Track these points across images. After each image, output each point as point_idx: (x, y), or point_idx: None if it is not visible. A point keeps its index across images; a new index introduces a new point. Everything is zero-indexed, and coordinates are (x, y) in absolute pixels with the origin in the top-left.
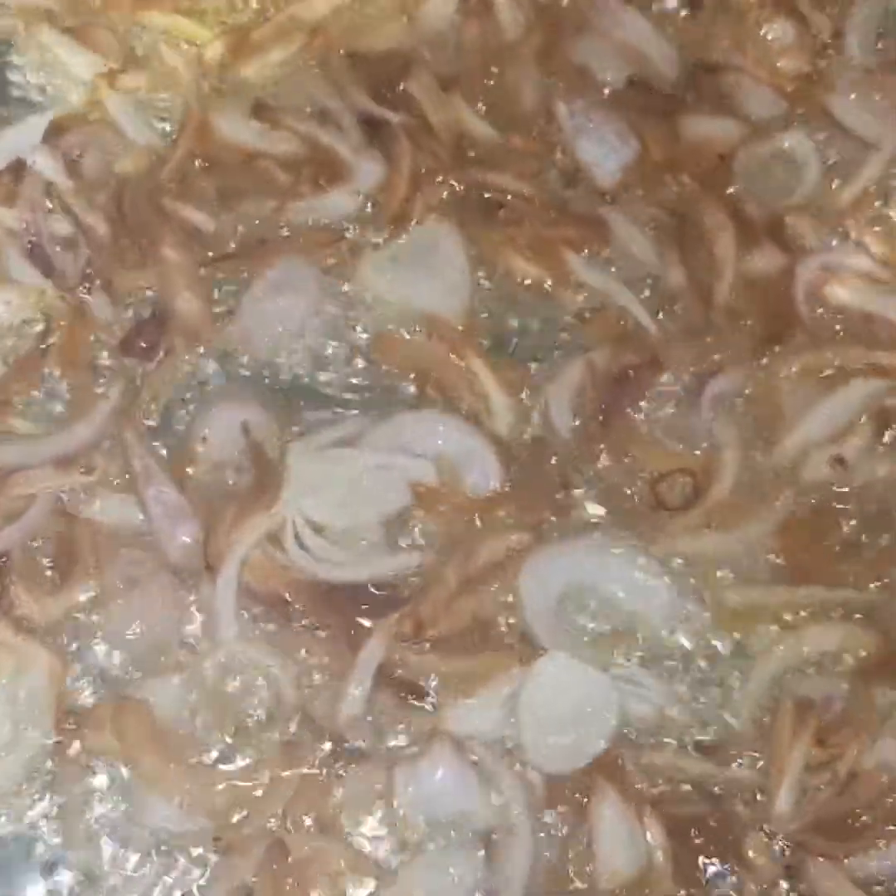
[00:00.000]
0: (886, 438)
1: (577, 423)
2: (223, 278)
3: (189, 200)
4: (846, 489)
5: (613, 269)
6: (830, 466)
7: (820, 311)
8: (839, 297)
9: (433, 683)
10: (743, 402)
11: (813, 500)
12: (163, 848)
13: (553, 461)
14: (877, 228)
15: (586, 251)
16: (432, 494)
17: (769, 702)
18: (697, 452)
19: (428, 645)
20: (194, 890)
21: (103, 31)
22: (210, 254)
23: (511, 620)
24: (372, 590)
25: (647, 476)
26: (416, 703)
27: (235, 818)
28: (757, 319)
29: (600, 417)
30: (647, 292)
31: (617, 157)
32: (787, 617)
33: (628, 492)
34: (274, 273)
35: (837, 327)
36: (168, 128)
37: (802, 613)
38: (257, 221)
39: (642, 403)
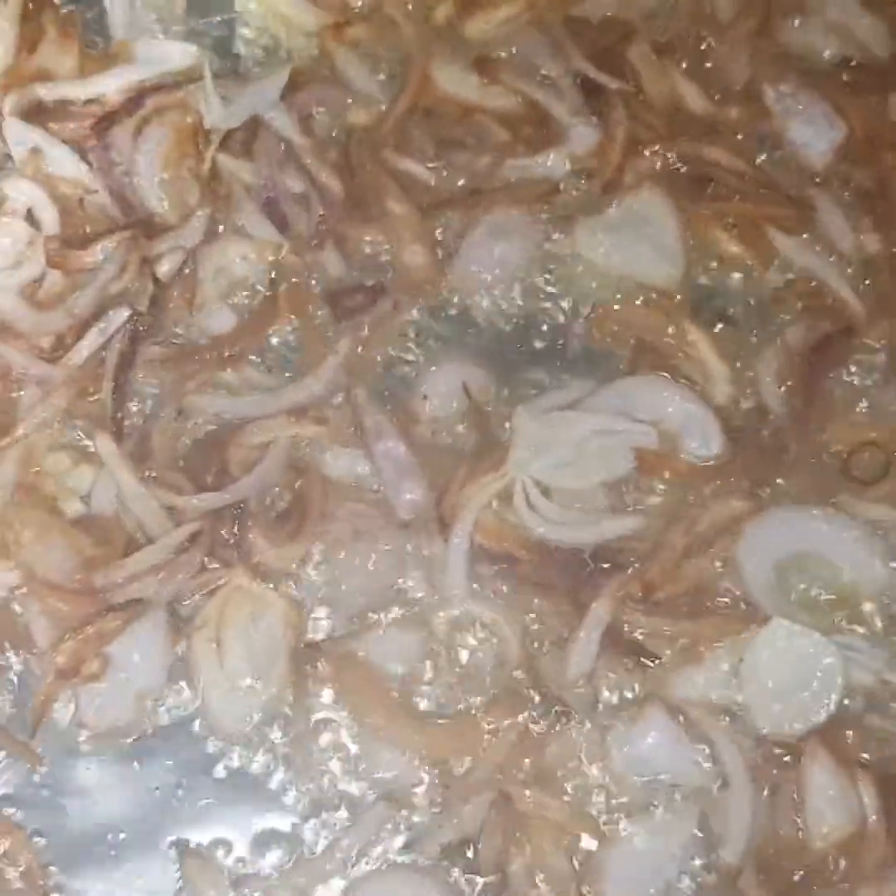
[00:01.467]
0: None
1: (785, 394)
2: (442, 229)
3: (408, 153)
4: None
5: (816, 248)
6: None
7: None
8: None
9: (661, 646)
10: None
11: None
12: (391, 794)
13: (768, 431)
14: None
15: (790, 230)
16: (655, 459)
17: None
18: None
19: (656, 607)
20: (420, 835)
21: None
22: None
23: (734, 586)
24: (598, 553)
25: (842, 449)
26: (645, 663)
27: (459, 769)
28: None
29: (805, 389)
30: (847, 269)
31: (827, 139)
32: None
33: (825, 463)
34: (491, 220)
35: None
36: (388, 78)
37: None
38: (473, 174)
39: (843, 373)
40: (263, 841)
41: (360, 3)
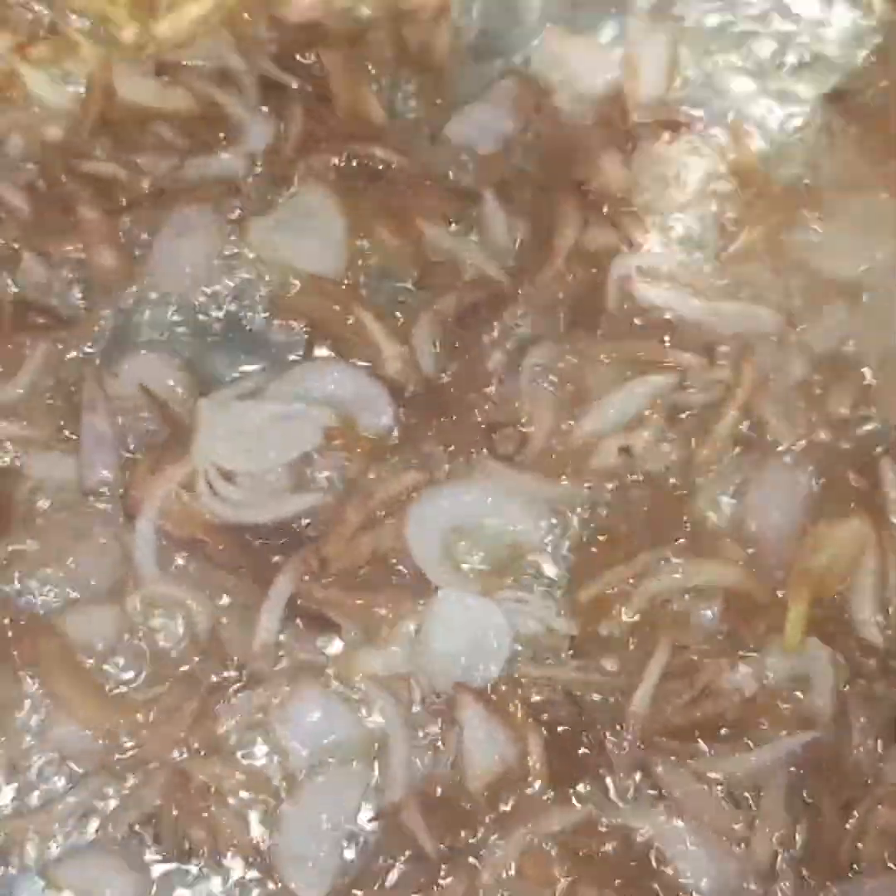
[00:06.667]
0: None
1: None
2: (135, 230)
3: (93, 157)
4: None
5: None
6: (619, 455)
7: (627, 305)
8: (646, 297)
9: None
10: (556, 376)
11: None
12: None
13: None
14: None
15: (452, 221)
16: (340, 437)
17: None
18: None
19: (331, 580)
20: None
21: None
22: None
23: (406, 559)
24: (281, 531)
25: (484, 426)
26: (329, 635)
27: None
28: (571, 300)
29: (456, 357)
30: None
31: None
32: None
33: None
34: (177, 219)
35: (640, 322)
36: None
37: None
38: (160, 176)
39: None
40: None
41: (43, 21)
